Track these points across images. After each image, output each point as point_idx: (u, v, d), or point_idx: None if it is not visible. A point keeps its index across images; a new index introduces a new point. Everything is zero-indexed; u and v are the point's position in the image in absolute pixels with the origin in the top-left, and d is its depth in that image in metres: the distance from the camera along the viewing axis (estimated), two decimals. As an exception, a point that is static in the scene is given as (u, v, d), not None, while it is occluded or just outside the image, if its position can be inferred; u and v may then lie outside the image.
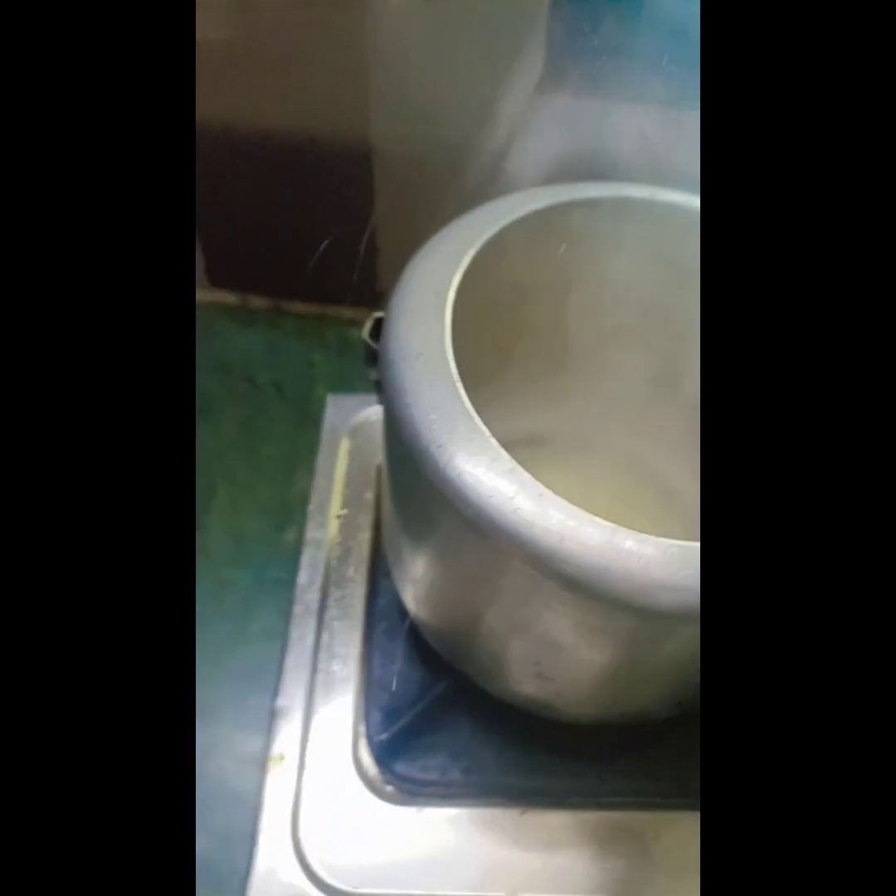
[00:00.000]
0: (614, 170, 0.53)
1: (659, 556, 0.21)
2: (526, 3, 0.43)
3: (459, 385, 0.24)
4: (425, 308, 0.26)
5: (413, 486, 0.25)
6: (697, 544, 0.21)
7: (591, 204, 0.32)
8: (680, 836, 0.34)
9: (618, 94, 0.49)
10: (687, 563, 0.21)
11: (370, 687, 0.36)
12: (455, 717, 0.35)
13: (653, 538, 0.21)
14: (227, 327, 0.58)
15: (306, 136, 0.52)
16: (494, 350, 0.38)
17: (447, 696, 0.35)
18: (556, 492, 0.41)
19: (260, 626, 0.40)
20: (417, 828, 0.33)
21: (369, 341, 0.27)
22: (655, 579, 0.21)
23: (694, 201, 0.33)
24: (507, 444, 0.42)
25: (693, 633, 0.23)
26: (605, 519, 0.38)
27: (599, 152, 0.52)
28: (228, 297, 0.61)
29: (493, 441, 0.22)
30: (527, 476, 0.22)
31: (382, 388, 0.25)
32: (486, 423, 0.41)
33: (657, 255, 0.35)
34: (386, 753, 0.34)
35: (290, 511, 0.45)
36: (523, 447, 0.42)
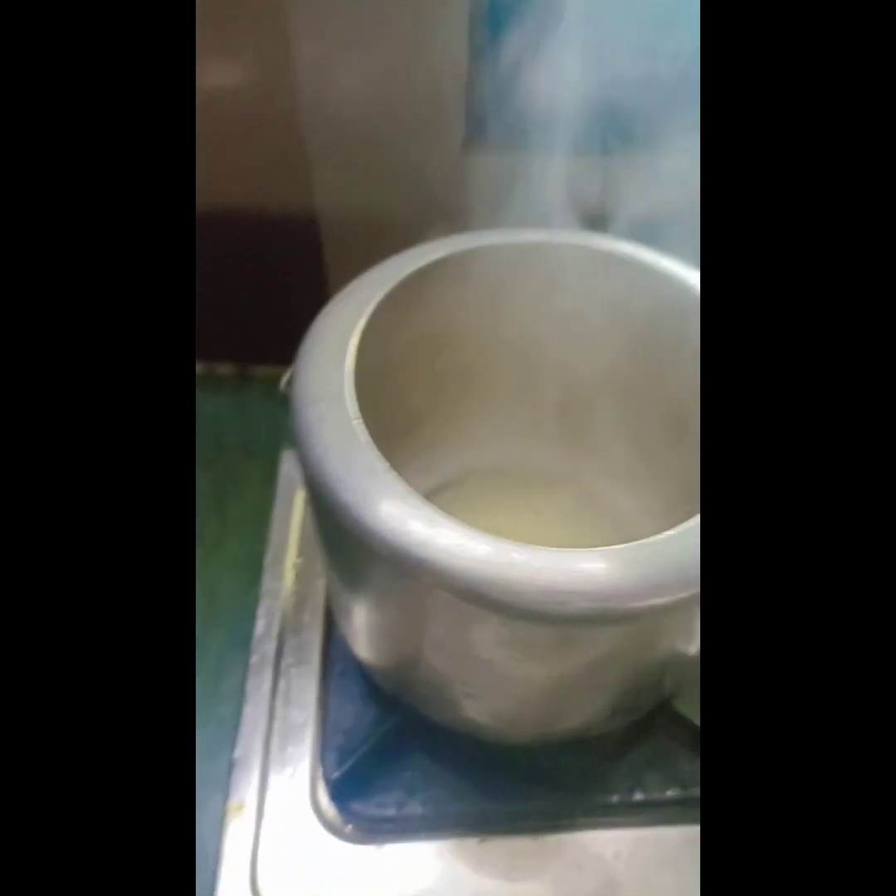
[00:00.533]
0: (545, 221, 0.56)
1: (548, 564, 0.22)
2: (446, 67, 0.46)
3: (358, 423, 0.25)
4: (329, 355, 0.28)
5: (321, 523, 0.27)
6: (590, 550, 0.23)
7: (496, 249, 0.35)
8: (642, 854, 0.34)
9: (542, 147, 0.52)
10: (576, 569, 0.22)
11: (327, 729, 0.37)
12: (409, 751, 0.35)
13: (543, 549, 0.23)
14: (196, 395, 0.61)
15: (256, 209, 0.55)
16: (427, 391, 0.41)
17: (399, 731, 0.35)
18: (504, 523, 0.43)
19: (231, 683, 0.41)
20: (378, 865, 0.33)
21: (286, 392, 0.30)
22: (543, 587, 0.22)
23: (591, 240, 0.36)
24: (458, 479, 0.44)
25: (597, 638, 0.25)
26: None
27: (530, 204, 0.55)
28: (196, 367, 0.63)
29: (393, 473, 0.24)
30: (419, 499, 0.24)
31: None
32: (428, 463, 0.44)
33: (569, 292, 0.38)
34: (342, 793, 0.34)
35: (260, 567, 0.46)
36: (477, 478, 0.44)
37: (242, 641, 0.42)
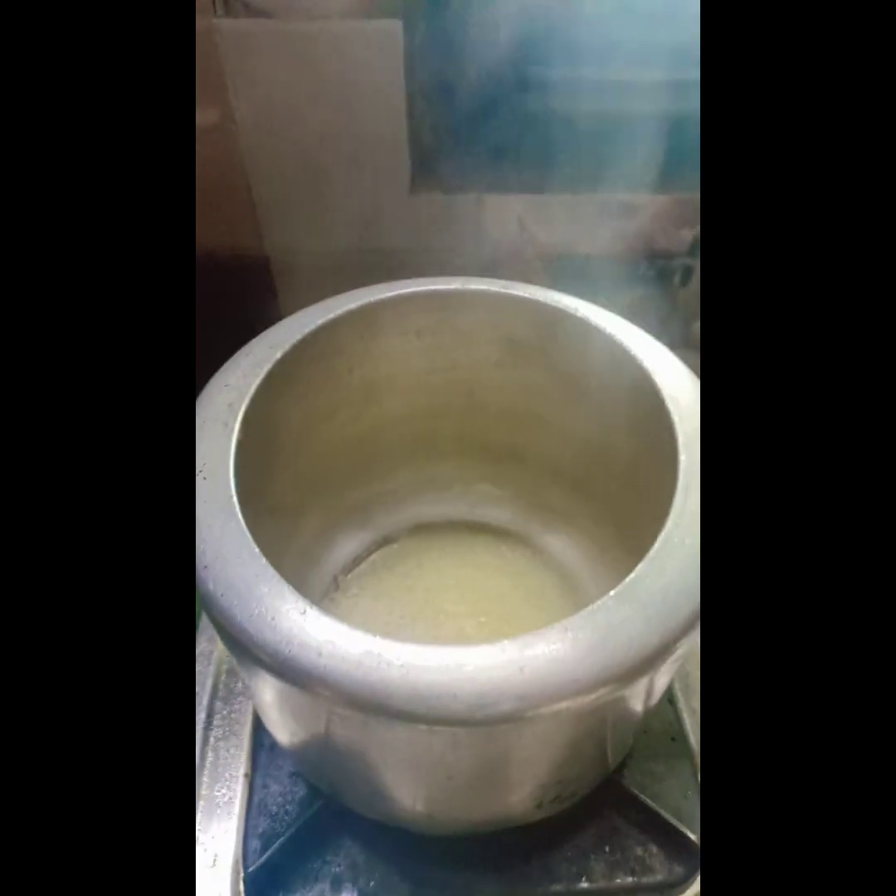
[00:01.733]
0: (496, 256, 0.54)
1: (424, 662, 0.20)
2: (387, 107, 0.45)
3: (235, 501, 0.23)
4: (216, 422, 0.26)
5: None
6: (466, 648, 0.20)
7: (409, 299, 0.33)
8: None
9: (489, 185, 0.51)
10: (446, 668, 0.20)
11: (251, 811, 0.34)
12: (336, 839, 0.33)
13: (416, 647, 0.20)
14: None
15: (207, 252, 0.54)
16: (354, 447, 0.39)
17: (326, 817, 0.32)
18: (447, 579, 0.40)
19: None
20: (299, 971, 0.30)
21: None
22: (417, 689, 0.20)
23: (512, 288, 0.33)
24: (398, 535, 0.42)
25: (496, 740, 0.22)
26: (491, 603, 0.36)
27: (479, 242, 0.54)
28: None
29: (262, 560, 0.22)
30: (288, 590, 0.21)
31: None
32: (364, 518, 0.41)
33: (495, 336, 0.36)
34: (261, 888, 0.32)
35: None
36: (419, 533, 0.42)
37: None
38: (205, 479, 0.24)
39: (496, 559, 0.41)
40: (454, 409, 0.39)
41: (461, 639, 0.37)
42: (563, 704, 0.20)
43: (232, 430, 0.25)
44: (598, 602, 0.21)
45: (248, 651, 0.21)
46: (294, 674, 0.20)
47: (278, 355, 0.28)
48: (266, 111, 0.46)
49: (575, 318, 0.31)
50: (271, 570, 0.22)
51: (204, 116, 0.46)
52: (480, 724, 0.20)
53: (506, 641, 0.20)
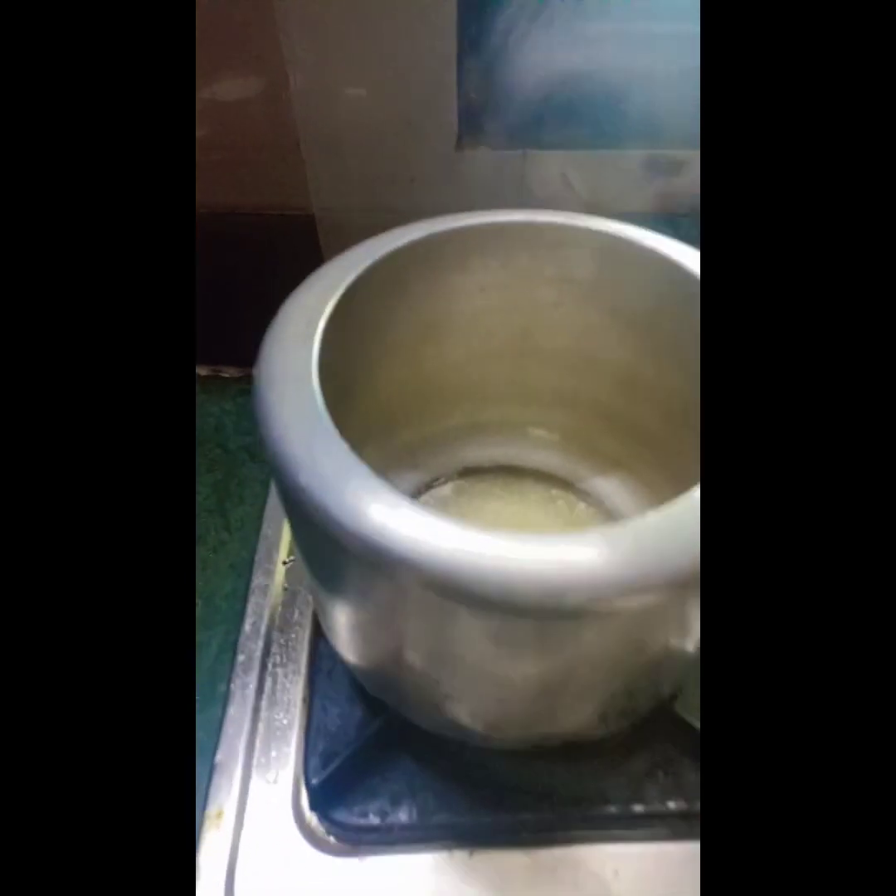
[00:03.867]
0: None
1: (523, 551, 0.21)
2: (436, 65, 0.46)
3: (321, 404, 0.24)
4: (296, 335, 0.27)
5: (285, 508, 0.25)
6: (564, 535, 0.21)
7: (473, 231, 0.33)
8: (639, 869, 0.31)
9: (535, 141, 0.51)
10: (552, 558, 0.21)
11: (311, 733, 0.35)
12: (395, 757, 0.34)
13: (516, 535, 0.21)
14: (200, 398, 0.61)
15: (254, 211, 0.55)
16: (410, 386, 0.39)
17: (386, 735, 0.33)
18: (494, 521, 0.41)
19: (224, 686, 0.39)
20: (360, 879, 0.31)
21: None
22: (517, 577, 0.20)
23: (582, 220, 0.34)
24: (447, 477, 0.42)
25: (580, 633, 0.23)
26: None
27: (525, 200, 0.54)
28: (200, 370, 0.63)
29: (354, 456, 0.23)
30: (383, 484, 0.22)
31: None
32: (413, 461, 0.42)
33: (556, 275, 0.36)
34: (323, 801, 0.33)
35: (255, 565, 0.45)
36: (468, 476, 0.43)
37: (236, 628, 0.41)
38: (290, 385, 0.25)
39: (544, 500, 0.42)
40: (508, 352, 0.40)
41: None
42: (653, 596, 0.20)
43: (312, 342, 0.26)
44: (667, 506, 0.22)
45: (342, 544, 0.21)
46: (389, 564, 0.21)
47: (351, 278, 0.29)
48: (318, 71, 0.46)
49: (641, 247, 0.32)
50: (363, 466, 0.22)
51: (257, 81, 0.46)
52: (566, 615, 0.20)
53: (593, 534, 0.21)
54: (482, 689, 0.26)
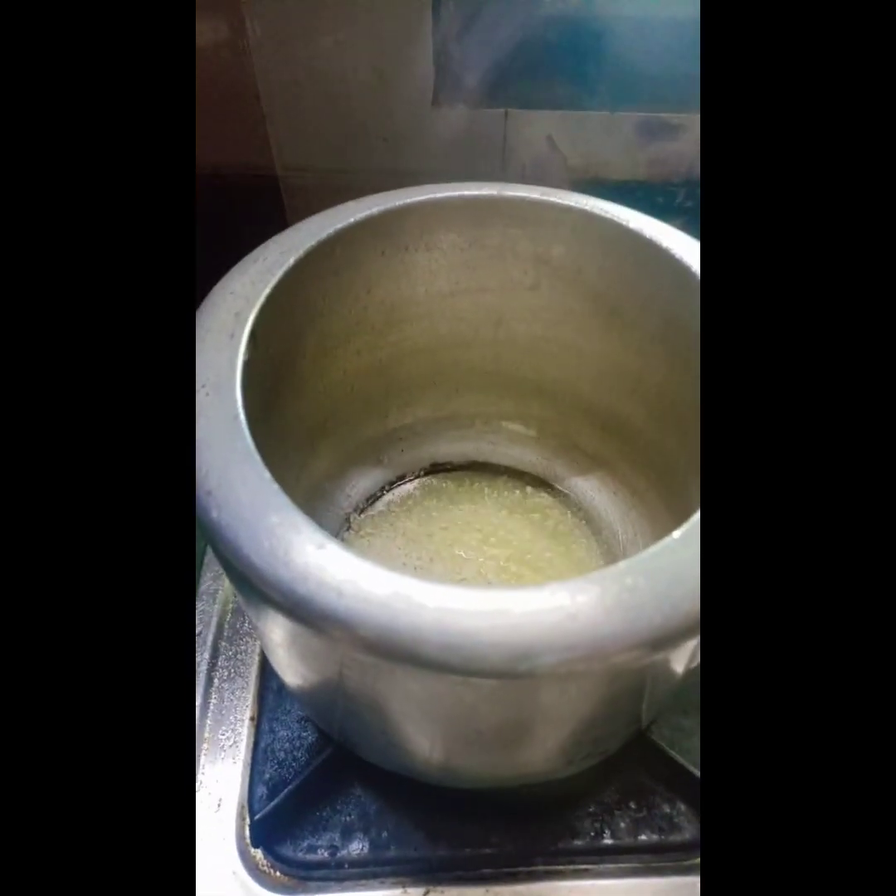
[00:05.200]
0: (523, 176, 0.50)
1: (458, 606, 0.17)
2: (409, 18, 0.41)
3: (243, 419, 0.20)
4: (219, 334, 0.23)
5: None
6: (507, 592, 0.18)
7: (436, 205, 0.29)
8: (606, 906, 0.29)
9: (518, 100, 0.46)
10: (485, 613, 0.17)
11: (257, 756, 0.32)
12: (346, 786, 0.31)
13: (451, 588, 0.17)
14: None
15: (212, 170, 0.51)
16: (375, 375, 0.36)
17: (336, 764, 0.31)
18: (471, 524, 0.38)
19: None
20: (307, 918, 0.29)
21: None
22: (447, 632, 0.17)
23: (558, 196, 0.30)
24: (418, 474, 0.39)
25: (535, 694, 0.20)
26: (512, 547, 0.34)
27: (506, 160, 0.49)
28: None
29: (275, 486, 0.19)
30: (304, 521, 0.18)
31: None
32: (380, 456, 0.38)
33: (532, 255, 0.32)
34: (267, 836, 0.30)
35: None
36: (441, 473, 0.40)
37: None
38: (208, 394, 0.21)
39: (518, 502, 0.39)
40: (480, 339, 0.36)
41: (482, 584, 0.35)
42: (620, 658, 0.17)
43: (239, 341, 0.22)
44: (662, 543, 0.18)
45: (258, 589, 0.18)
46: (311, 615, 0.18)
47: (291, 261, 0.25)
48: (280, 17, 0.41)
49: (624, 228, 0.28)
50: (284, 497, 0.19)
51: (214, 28, 0.41)
52: (523, 676, 0.17)
53: (554, 585, 0.18)
54: (432, 742, 0.24)
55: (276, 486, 0.19)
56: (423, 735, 0.23)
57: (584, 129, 0.48)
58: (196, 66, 0.44)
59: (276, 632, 0.21)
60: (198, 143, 0.48)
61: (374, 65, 0.43)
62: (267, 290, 0.24)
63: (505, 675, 0.17)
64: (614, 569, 0.18)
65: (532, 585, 0.18)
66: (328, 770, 0.31)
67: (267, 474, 0.19)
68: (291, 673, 0.26)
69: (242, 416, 0.20)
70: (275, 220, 0.53)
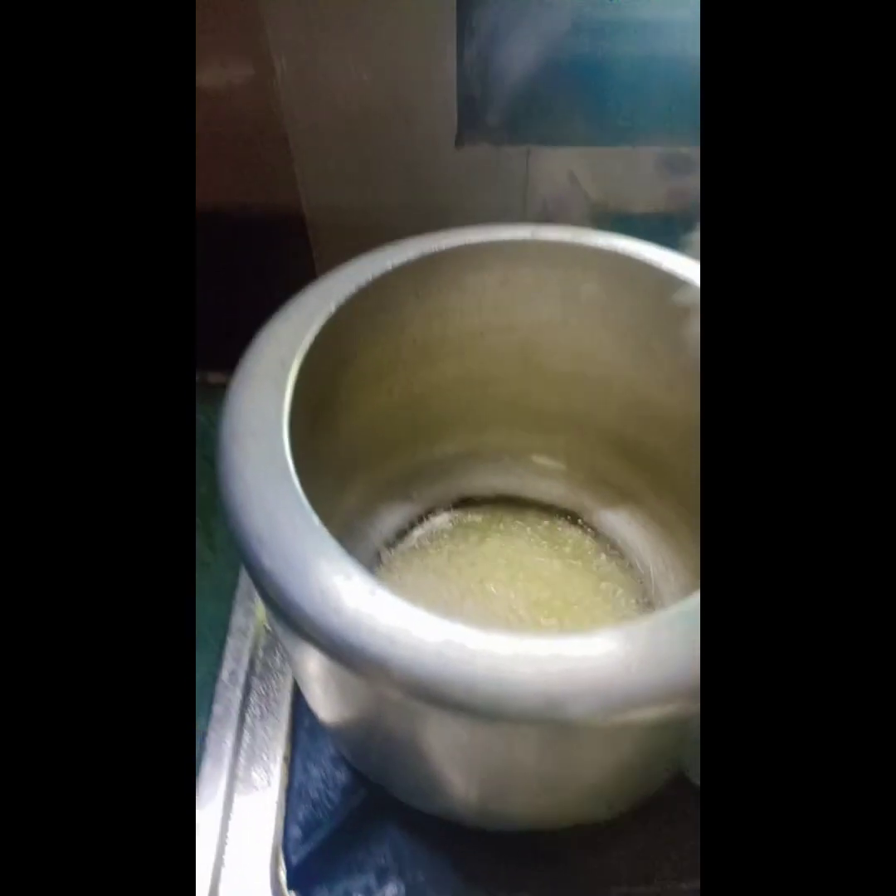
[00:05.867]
0: (544, 211, 0.51)
1: (510, 653, 0.17)
2: (434, 54, 0.42)
3: (291, 467, 0.21)
4: (266, 378, 0.23)
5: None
6: (559, 639, 0.18)
7: (472, 249, 0.29)
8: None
9: (540, 137, 0.47)
10: (538, 660, 0.17)
11: (291, 797, 0.32)
12: (381, 829, 0.31)
13: (503, 636, 0.18)
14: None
15: (240, 208, 0.52)
16: (405, 411, 0.36)
17: (371, 805, 0.31)
18: (499, 561, 0.38)
19: (203, 740, 0.36)
20: (343, 966, 0.29)
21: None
22: (501, 681, 0.17)
23: (587, 237, 0.30)
24: (447, 508, 0.39)
25: (581, 743, 0.19)
26: (543, 583, 0.34)
27: (527, 196, 0.50)
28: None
29: (326, 534, 0.19)
30: (354, 567, 0.19)
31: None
32: (408, 491, 0.39)
33: (561, 293, 0.32)
34: (303, 877, 0.30)
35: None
36: (470, 508, 0.40)
37: (214, 671, 0.37)
38: (256, 441, 0.21)
39: (548, 535, 0.39)
40: (509, 374, 0.36)
41: (514, 620, 0.35)
42: (674, 706, 0.17)
43: (284, 388, 0.23)
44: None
45: (310, 636, 0.18)
46: (362, 663, 0.18)
47: (332, 308, 0.26)
48: (308, 59, 0.42)
49: (658, 270, 0.28)
50: (333, 542, 0.19)
51: (241, 68, 0.43)
52: (576, 726, 0.17)
53: (607, 632, 0.18)
54: (471, 785, 0.23)
55: (325, 532, 0.19)
56: (463, 778, 0.23)
57: (605, 164, 0.49)
58: (224, 107, 0.45)
59: (319, 674, 0.21)
60: (226, 182, 0.49)
61: (398, 104, 0.44)
62: (310, 337, 0.24)
63: (558, 723, 0.17)
64: (665, 615, 0.18)
65: (581, 633, 0.18)
66: (363, 811, 0.31)
67: (315, 520, 0.20)
68: (329, 712, 0.26)
69: (291, 465, 0.21)
70: (302, 258, 0.54)
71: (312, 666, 0.21)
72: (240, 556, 0.20)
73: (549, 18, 0.43)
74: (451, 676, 0.17)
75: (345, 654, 0.18)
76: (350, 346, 0.30)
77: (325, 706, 0.25)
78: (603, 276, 0.30)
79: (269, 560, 0.19)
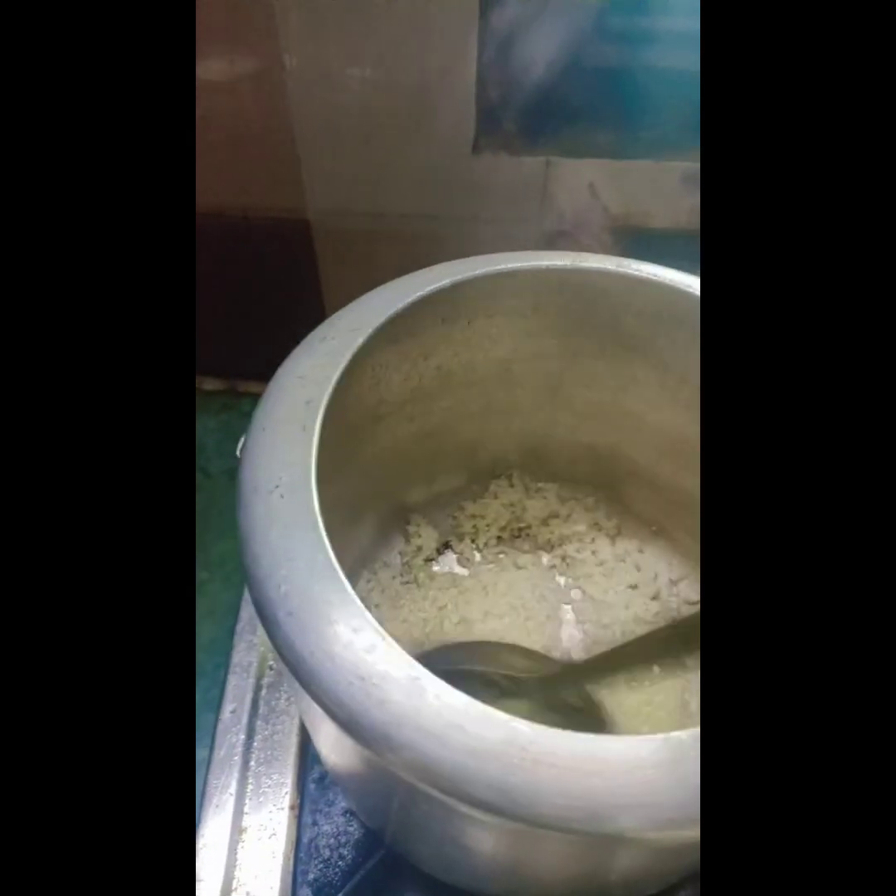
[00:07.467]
0: (562, 222, 0.49)
1: (576, 759, 0.15)
2: (454, 57, 0.40)
3: (322, 528, 0.19)
4: (291, 422, 0.21)
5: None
6: (632, 740, 0.16)
7: (505, 276, 0.27)
8: None
9: (560, 147, 0.46)
10: (610, 767, 0.15)
11: (300, 853, 0.30)
12: (398, 889, 0.29)
13: (569, 737, 0.16)
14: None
15: (243, 213, 0.50)
16: (427, 439, 0.34)
17: (385, 868, 0.29)
18: (506, 596, 0.36)
19: (206, 755, 0.34)
20: None
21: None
22: (569, 793, 0.15)
23: (625, 266, 0.28)
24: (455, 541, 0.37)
25: (618, 851, 0.18)
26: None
27: (545, 207, 0.48)
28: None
29: (359, 605, 0.17)
30: (399, 652, 0.17)
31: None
32: (421, 521, 0.36)
33: (597, 323, 0.30)
34: (314, 946, 0.28)
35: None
36: (475, 543, 0.38)
37: (214, 708, 0.35)
38: (282, 496, 0.19)
39: (572, 577, 0.37)
40: (535, 404, 0.35)
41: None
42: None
43: (312, 432, 0.21)
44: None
45: (350, 728, 0.16)
46: (409, 765, 0.16)
47: (359, 341, 0.23)
48: (319, 56, 0.40)
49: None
50: (372, 621, 0.17)
51: (248, 61, 0.40)
52: (634, 838, 0.15)
53: (675, 736, 0.16)
54: (499, 870, 0.21)
55: (361, 606, 0.17)
56: (490, 863, 0.21)
57: (627, 178, 0.47)
58: (231, 102, 0.43)
59: (341, 751, 0.19)
60: (229, 184, 0.47)
61: (412, 107, 0.42)
62: (336, 375, 0.22)
63: (625, 835, 0.15)
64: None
65: (649, 735, 0.16)
66: (379, 876, 0.29)
67: (350, 592, 0.18)
68: (343, 776, 0.24)
69: (321, 525, 0.19)
70: (305, 264, 0.52)
71: (335, 744, 0.19)
72: (267, 629, 0.18)
73: (574, 23, 0.41)
74: (513, 787, 0.15)
75: (391, 753, 0.16)
76: (372, 375, 0.28)
77: (340, 771, 0.23)
78: (645, 306, 0.28)
79: (302, 641, 0.17)
